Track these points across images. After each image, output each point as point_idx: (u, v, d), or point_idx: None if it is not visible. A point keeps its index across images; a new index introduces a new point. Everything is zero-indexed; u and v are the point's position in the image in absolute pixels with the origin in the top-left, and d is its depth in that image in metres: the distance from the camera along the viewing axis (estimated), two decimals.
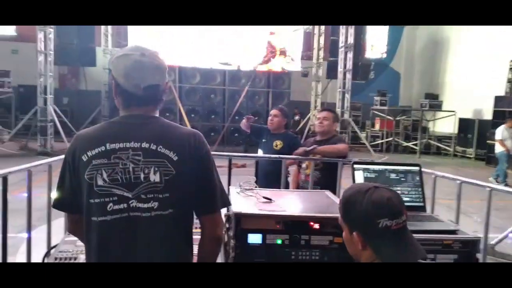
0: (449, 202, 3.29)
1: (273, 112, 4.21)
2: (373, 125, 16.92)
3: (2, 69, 13.43)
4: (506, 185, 8.88)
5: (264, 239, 1.82)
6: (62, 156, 1.50)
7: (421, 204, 2.42)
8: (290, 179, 4.13)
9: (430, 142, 16.11)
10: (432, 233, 2.01)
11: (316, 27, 16.23)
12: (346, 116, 13.73)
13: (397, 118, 16.58)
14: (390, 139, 16.07)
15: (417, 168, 2.50)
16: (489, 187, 2.78)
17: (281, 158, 3.62)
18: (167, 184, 1.42)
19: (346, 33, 13.61)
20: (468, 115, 15.16)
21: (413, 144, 15.76)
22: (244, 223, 1.81)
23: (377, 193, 1.17)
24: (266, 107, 13.21)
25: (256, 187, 2.28)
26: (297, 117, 16.05)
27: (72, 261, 1.92)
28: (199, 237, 1.53)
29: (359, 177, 2.40)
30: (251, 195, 2.15)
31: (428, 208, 2.57)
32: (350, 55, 13.66)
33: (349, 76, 13.74)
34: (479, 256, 2.02)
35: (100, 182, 1.40)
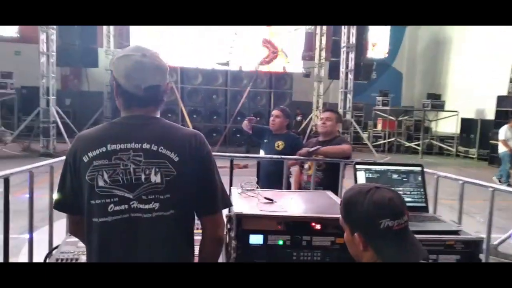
0: (451, 202, 3.28)
1: (275, 112, 4.21)
2: (375, 126, 16.89)
3: (4, 71, 13.47)
4: (509, 185, 8.84)
5: (265, 240, 1.82)
6: (64, 157, 1.50)
7: (423, 204, 2.41)
8: (292, 179, 4.12)
9: (432, 142, 16.07)
10: (434, 234, 2.00)
11: (318, 27, 16.22)
12: (348, 116, 13.72)
13: (399, 118, 16.55)
14: (392, 139, 16.04)
15: (419, 168, 2.49)
16: (491, 187, 2.77)
17: (283, 158, 3.62)
18: (168, 185, 1.42)
19: (348, 33, 13.59)
20: (470, 115, 15.12)
21: (415, 145, 15.73)
22: (245, 223, 1.80)
23: (379, 194, 1.17)
24: (268, 108, 13.20)
25: (257, 187, 2.28)
26: (299, 118, 16.04)
27: (73, 262, 1.92)
28: (200, 237, 1.52)
29: (361, 178, 2.39)
30: (252, 196, 2.15)
31: (431, 208, 2.57)
32: (352, 55, 13.64)
33: (351, 76, 13.73)
34: (482, 256, 2.01)
35: (101, 183, 1.40)
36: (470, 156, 14.72)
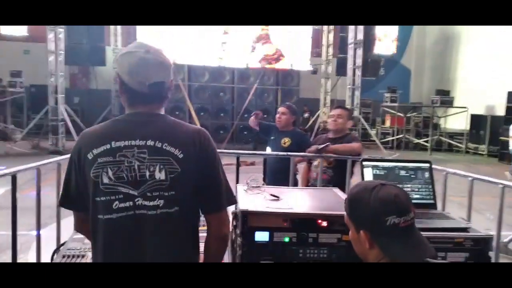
0: (460, 199, 3.24)
1: (281, 109, 4.18)
2: (383, 122, 16.78)
3: (14, 69, 13.62)
4: None
5: (271, 237, 1.80)
6: None
7: (432, 201, 2.38)
8: (299, 176, 4.10)
9: (441, 139, 15.93)
10: (443, 231, 1.97)
11: None
12: (356, 113, 13.63)
13: (408, 115, 16.42)
14: (401, 136, 15.92)
15: (427, 164, 2.46)
16: (501, 184, 2.73)
17: (289, 155, 3.59)
18: (172, 182, 1.41)
19: (355, 30, 13.50)
20: (480, 111, 14.95)
21: (424, 141, 15.60)
22: (251, 220, 1.79)
23: (384, 190, 1.15)
24: (275, 105, 13.20)
25: (263, 184, 2.27)
26: (306, 115, 15.98)
27: (79, 258, 1.94)
28: (205, 234, 1.52)
29: (368, 174, 2.37)
30: (258, 193, 2.14)
31: (439, 205, 2.54)
32: (359, 51, 13.54)
33: (358, 72, 13.63)
34: (492, 254, 1.97)
35: (105, 180, 1.39)
36: (480, 152, 14.57)
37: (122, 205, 1.40)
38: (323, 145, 3.51)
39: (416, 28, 19.34)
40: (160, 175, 1.41)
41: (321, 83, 16.17)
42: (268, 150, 4.13)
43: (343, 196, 2.19)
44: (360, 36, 13.46)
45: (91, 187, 1.41)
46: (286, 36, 13.68)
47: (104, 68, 14.76)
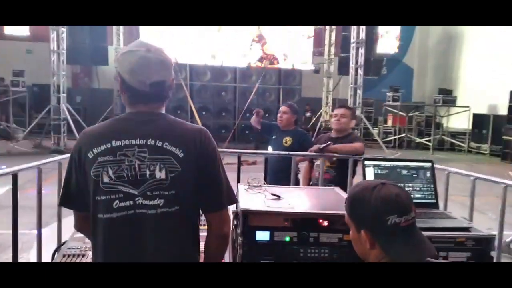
0: (462, 199, 3.23)
1: (282, 108, 4.17)
2: (385, 121, 16.73)
3: (16, 69, 13.64)
4: None
5: (272, 236, 1.80)
6: None
7: (434, 201, 2.37)
8: (300, 176, 4.09)
9: (443, 138, 15.87)
10: (445, 231, 1.96)
11: None
12: (358, 112, 13.59)
13: (410, 114, 16.37)
14: (403, 135, 15.87)
15: (429, 164, 2.45)
16: (504, 183, 2.71)
17: (290, 154, 3.59)
18: (172, 181, 1.41)
19: (357, 29, 13.46)
20: (482, 110, 14.89)
21: (426, 140, 15.55)
22: (252, 220, 1.79)
23: (385, 190, 1.14)
24: (277, 104, 13.18)
25: (264, 184, 2.26)
26: (308, 114, 15.96)
27: (80, 257, 1.93)
28: (205, 234, 1.51)
29: (370, 174, 2.36)
30: (259, 192, 2.13)
31: (441, 205, 2.52)
32: (362, 50, 13.50)
33: (361, 72, 13.59)
34: (494, 254, 1.97)
35: (106, 179, 1.39)
36: (482, 152, 14.51)
37: (122, 204, 1.39)
38: (324, 145, 3.50)
39: (418, 27, 19.27)
40: (160, 174, 1.40)
41: (323, 82, 16.15)
42: (270, 150, 4.12)
43: (344, 195, 2.18)
44: (363, 35, 13.43)
45: (92, 186, 1.41)
46: (287, 36, 13.68)
47: (106, 68, 14.77)
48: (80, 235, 1.92)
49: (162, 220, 1.40)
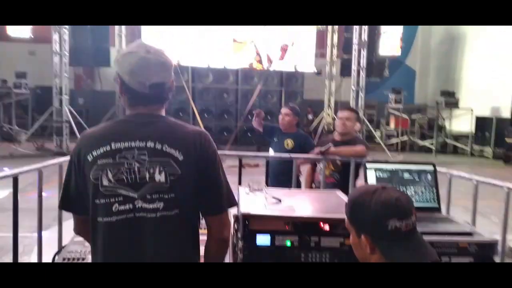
0: (465, 202, 3.20)
1: (284, 110, 4.16)
2: (387, 124, 16.69)
3: (19, 71, 13.68)
4: None
5: (273, 240, 1.79)
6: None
7: (436, 204, 2.36)
8: (302, 178, 4.07)
9: (446, 141, 15.82)
10: (447, 235, 1.94)
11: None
12: (360, 114, 13.56)
13: (413, 117, 16.33)
14: (405, 138, 15.83)
15: (431, 167, 2.43)
16: (507, 187, 2.69)
17: (291, 157, 3.57)
18: (172, 184, 1.40)
19: (359, 30, 13.46)
20: (485, 113, 14.84)
21: (429, 143, 15.51)
22: (252, 224, 1.78)
23: (385, 194, 1.13)
24: (279, 106, 13.10)
25: (265, 186, 2.25)
26: (310, 116, 15.94)
27: (80, 261, 1.92)
28: (205, 238, 1.50)
29: (372, 177, 2.35)
30: (260, 195, 2.12)
31: (443, 209, 2.51)
32: (364, 52, 13.50)
33: (363, 74, 13.59)
34: (497, 259, 1.95)
35: (105, 182, 1.38)
36: (485, 155, 14.45)
37: (121, 207, 1.38)
38: (324, 147, 3.47)
39: (421, 29, 19.23)
40: (160, 177, 1.39)
41: (325, 84, 16.14)
42: (271, 152, 4.11)
43: (346, 199, 2.17)
44: (365, 36, 13.41)
45: (91, 189, 1.40)
46: (288, 37, 13.67)
47: (109, 69, 14.79)
48: (80, 238, 1.92)
49: (161, 224, 1.39)
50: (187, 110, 13.01)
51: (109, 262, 1.40)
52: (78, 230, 1.56)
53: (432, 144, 15.13)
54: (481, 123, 14.81)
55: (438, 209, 2.35)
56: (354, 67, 13.71)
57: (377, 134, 15.04)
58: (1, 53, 15.54)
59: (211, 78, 13.63)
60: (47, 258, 2.37)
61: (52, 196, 2.78)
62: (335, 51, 15.86)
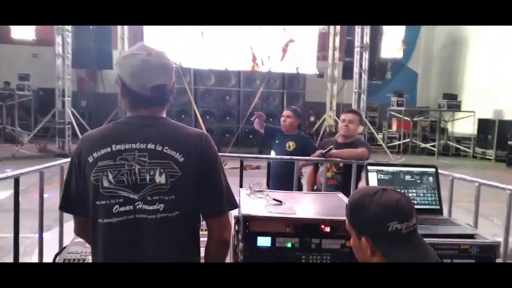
0: (467, 204, 3.19)
1: (286, 112, 4.15)
2: (390, 126, 16.67)
3: (22, 73, 13.74)
4: None
5: (273, 242, 1.78)
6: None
7: (437, 207, 2.35)
8: (304, 180, 4.06)
9: (448, 143, 15.79)
10: (448, 237, 1.93)
11: (332, 27, 16.08)
12: (363, 117, 13.54)
13: (415, 119, 16.30)
14: (408, 140, 15.81)
15: (433, 169, 2.42)
16: (509, 189, 2.68)
17: (293, 159, 3.57)
18: (172, 185, 1.40)
19: (362, 33, 13.45)
20: (488, 115, 14.80)
21: (431, 146, 15.47)
22: (253, 225, 1.77)
23: (386, 196, 1.12)
24: (281, 108, 13.13)
25: (266, 188, 2.25)
26: (312, 118, 15.93)
27: (80, 262, 1.92)
28: (205, 239, 1.50)
29: (373, 179, 2.34)
30: (261, 197, 2.12)
31: (445, 211, 2.50)
32: (366, 55, 13.49)
33: (365, 76, 13.57)
34: (499, 261, 1.93)
35: (106, 184, 1.39)
36: (488, 157, 14.41)
37: (122, 209, 1.39)
38: (326, 149, 3.47)
39: (423, 31, 19.22)
40: (160, 179, 1.40)
41: (327, 87, 16.13)
42: (273, 154, 4.10)
43: (347, 201, 2.17)
44: (367, 39, 13.41)
45: (91, 191, 1.40)
46: (288, 38, 13.67)
47: (111, 72, 14.81)
48: (80, 239, 1.92)
49: (162, 225, 1.40)
50: (189, 112, 13.02)
51: (109, 262, 1.41)
52: (78, 231, 1.57)
53: (434, 146, 15.09)
54: (484, 125, 14.77)
55: (439, 211, 2.34)
56: (356, 69, 13.69)
57: (379, 136, 15.02)
58: (4, 55, 15.65)
59: (213, 80, 13.64)
60: (48, 259, 2.38)
61: (53, 197, 2.78)
62: (337, 54, 15.86)
